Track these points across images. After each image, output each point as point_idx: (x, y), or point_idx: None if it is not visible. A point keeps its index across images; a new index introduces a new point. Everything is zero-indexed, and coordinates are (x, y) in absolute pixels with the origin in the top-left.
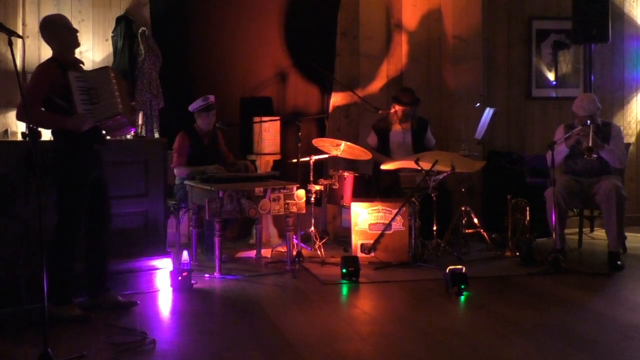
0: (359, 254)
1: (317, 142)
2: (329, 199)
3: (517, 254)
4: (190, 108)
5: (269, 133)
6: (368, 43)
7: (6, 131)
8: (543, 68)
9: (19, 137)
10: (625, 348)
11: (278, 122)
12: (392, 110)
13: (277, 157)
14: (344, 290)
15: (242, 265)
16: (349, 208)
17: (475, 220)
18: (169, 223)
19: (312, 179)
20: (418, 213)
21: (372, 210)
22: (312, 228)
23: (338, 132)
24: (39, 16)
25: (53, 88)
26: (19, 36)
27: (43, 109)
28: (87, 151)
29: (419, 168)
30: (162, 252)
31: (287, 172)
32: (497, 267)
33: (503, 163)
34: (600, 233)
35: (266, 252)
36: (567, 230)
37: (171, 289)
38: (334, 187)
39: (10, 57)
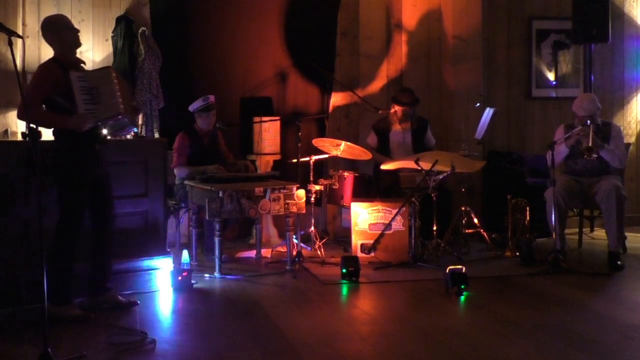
0: (359, 254)
1: (317, 142)
2: (329, 199)
3: (517, 254)
4: (190, 108)
5: (269, 133)
6: (368, 43)
7: (6, 131)
8: (543, 68)
9: (19, 137)
10: (625, 348)
11: (278, 122)
12: (392, 111)
13: (277, 157)
14: (344, 290)
15: (242, 265)
16: (349, 208)
17: (475, 220)
18: (169, 223)
19: (312, 179)
20: (418, 213)
21: (372, 210)
22: (312, 228)
23: (338, 132)
24: (39, 16)
25: (55, 88)
26: (19, 36)
27: (44, 107)
28: (88, 151)
29: (419, 168)
30: (162, 252)
31: (287, 172)
32: (497, 267)
33: (503, 163)
34: (600, 233)
35: (266, 252)
36: (567, 230)
37: (171, 288)
38: (334, 187)
39: (10, 57)
